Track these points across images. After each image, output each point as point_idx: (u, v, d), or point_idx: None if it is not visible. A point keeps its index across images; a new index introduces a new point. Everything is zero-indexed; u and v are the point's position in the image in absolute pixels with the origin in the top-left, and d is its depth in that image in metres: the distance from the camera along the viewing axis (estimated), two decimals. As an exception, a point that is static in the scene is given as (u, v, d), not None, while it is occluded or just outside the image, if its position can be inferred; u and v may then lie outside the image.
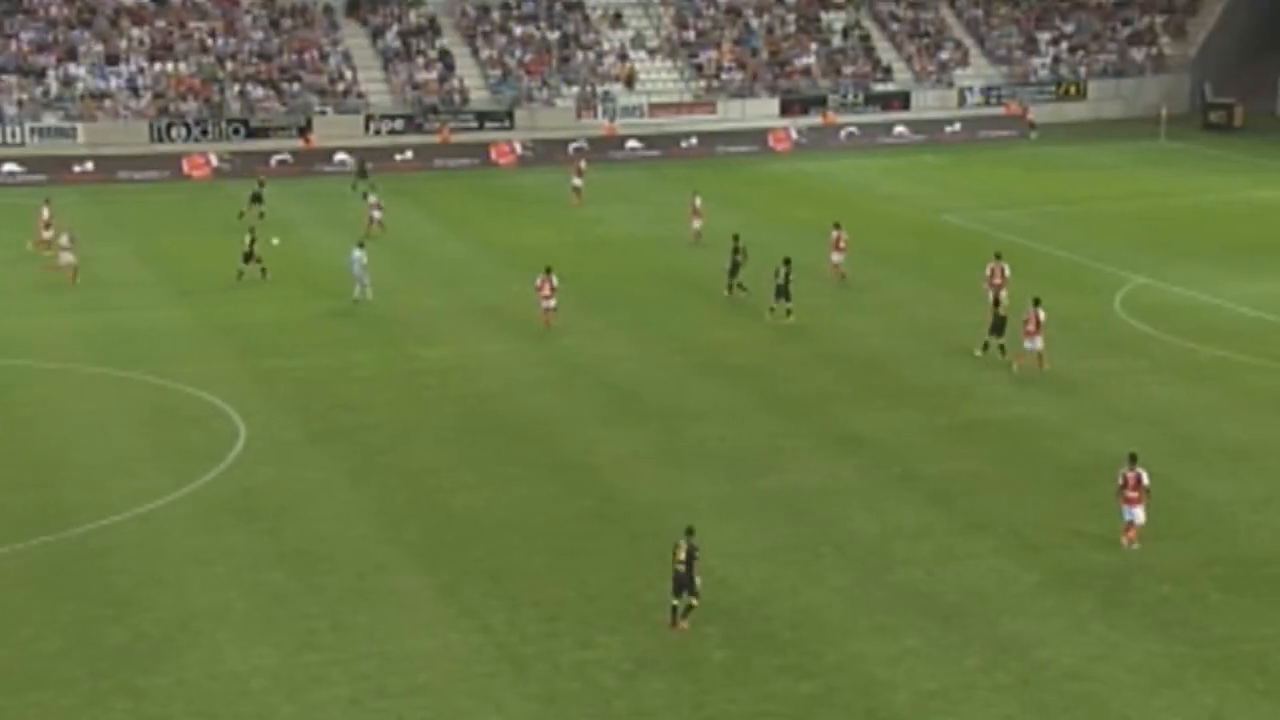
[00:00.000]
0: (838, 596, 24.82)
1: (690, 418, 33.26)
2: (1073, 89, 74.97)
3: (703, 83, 71.83)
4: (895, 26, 76.58)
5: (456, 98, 68.61)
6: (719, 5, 75.84)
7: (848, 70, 73.29)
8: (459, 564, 26.08)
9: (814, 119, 70.40)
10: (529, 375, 36.31)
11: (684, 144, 67.15)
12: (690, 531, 23.98)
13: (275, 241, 46.07)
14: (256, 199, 52.59)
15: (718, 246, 45.97)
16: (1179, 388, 34.74)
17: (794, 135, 68.54)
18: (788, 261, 40.02)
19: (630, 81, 71.01)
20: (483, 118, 68.00)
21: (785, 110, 71.07)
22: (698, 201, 49.30)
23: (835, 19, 76.33)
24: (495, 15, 73.25)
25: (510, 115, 68.31)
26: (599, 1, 74.83)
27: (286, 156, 62.72)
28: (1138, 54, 76.85)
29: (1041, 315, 35.50)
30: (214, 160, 62.77)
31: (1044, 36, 77.23)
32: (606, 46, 72.81)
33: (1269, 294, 42.25)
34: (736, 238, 42.44)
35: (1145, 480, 26.45)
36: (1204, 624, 23.69)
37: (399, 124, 66.86)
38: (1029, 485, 29.28)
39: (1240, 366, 36.19)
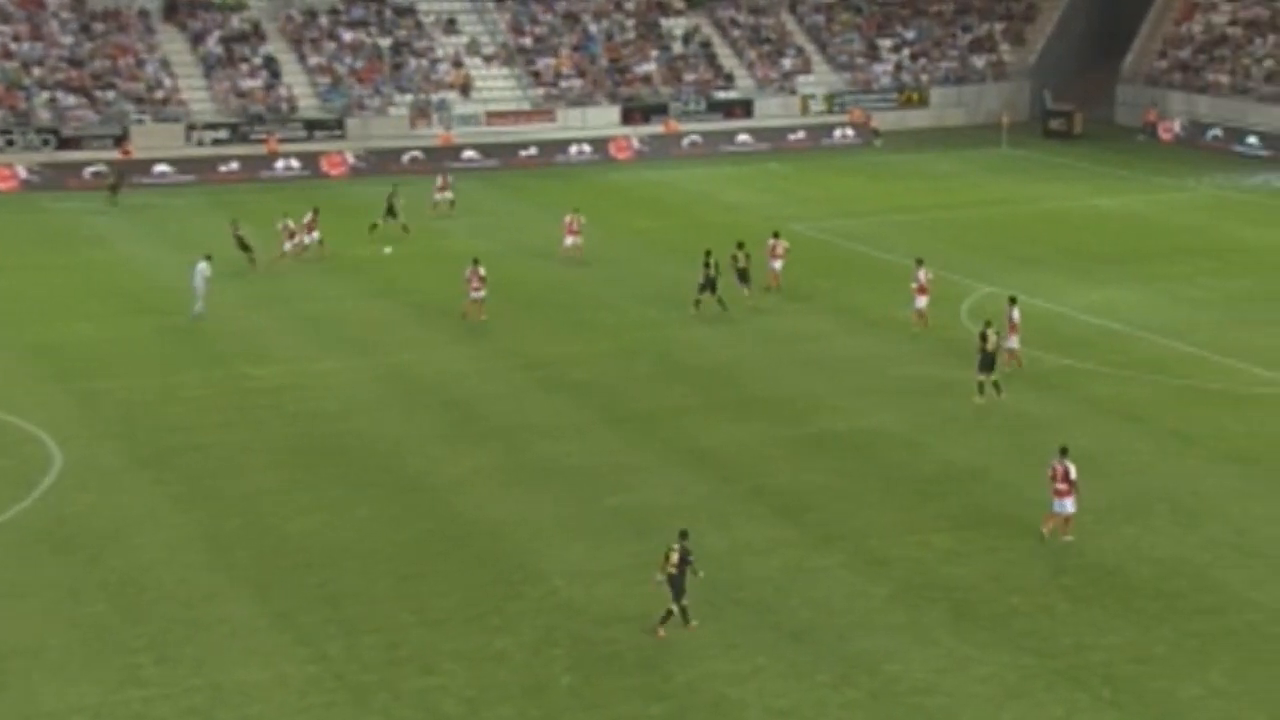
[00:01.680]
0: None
1: (534, 434, 33.25)
2: (915, 96, 76.65)
3: (541, 90, 71.93)
4: (736, 33, 77.56)
5: (284, 106, 67.72)
6: (556, 11, 76.06)
7: (689, 77, 74.02)
8: (294, 591, 25.72)
9: (656, 127, 70.94)
10: (366, 393, 35.97)
11: (523, 153, 67.17)
12: (684, 535, 24.50)
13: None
14: (391, 211, 51.20)
15: (577, 263, 45.97)
16: (1025, 397, 35.65)
17: (635, 144, 68.99)
18: (709, 252, 41.71)
19: (466, 89, 70.82)
20: (312, 127, 67.24)
21: (626, 118, 71.51)
22: (573, 219, 48.87)
23: (676, 25, 77.05)
24: (323, 21, 72.49)
25: (341, 124, 67.64)
26: (432, 7, 74.51)
27: (102, 168, 61.21)
28: (978, 61, 78.87)
29: (1016, 315, 36.63)
30: (22, 172, 61.03)
31: (885, 43, 78.86)
32: (440, 53, 72.52)
33: (1111, 301, 43.64)
34: (709, 253, 42.13)
35: (1073, 473, 27.33)
36: (1052, 634, 24.35)
37: (223, 133, 65.76)
38: (878, 498, 29.82)
39: (1085, 375, 37.30)
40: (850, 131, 72.17)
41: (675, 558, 24.32)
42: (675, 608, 24.29)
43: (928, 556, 27.16)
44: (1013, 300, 37.34)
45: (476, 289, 41.05)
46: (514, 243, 51.55)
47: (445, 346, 39.84)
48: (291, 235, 47.64)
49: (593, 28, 75.80)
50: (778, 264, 44.79)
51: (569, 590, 25.84)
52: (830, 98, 74.77)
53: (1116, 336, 40.36)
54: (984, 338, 34.79)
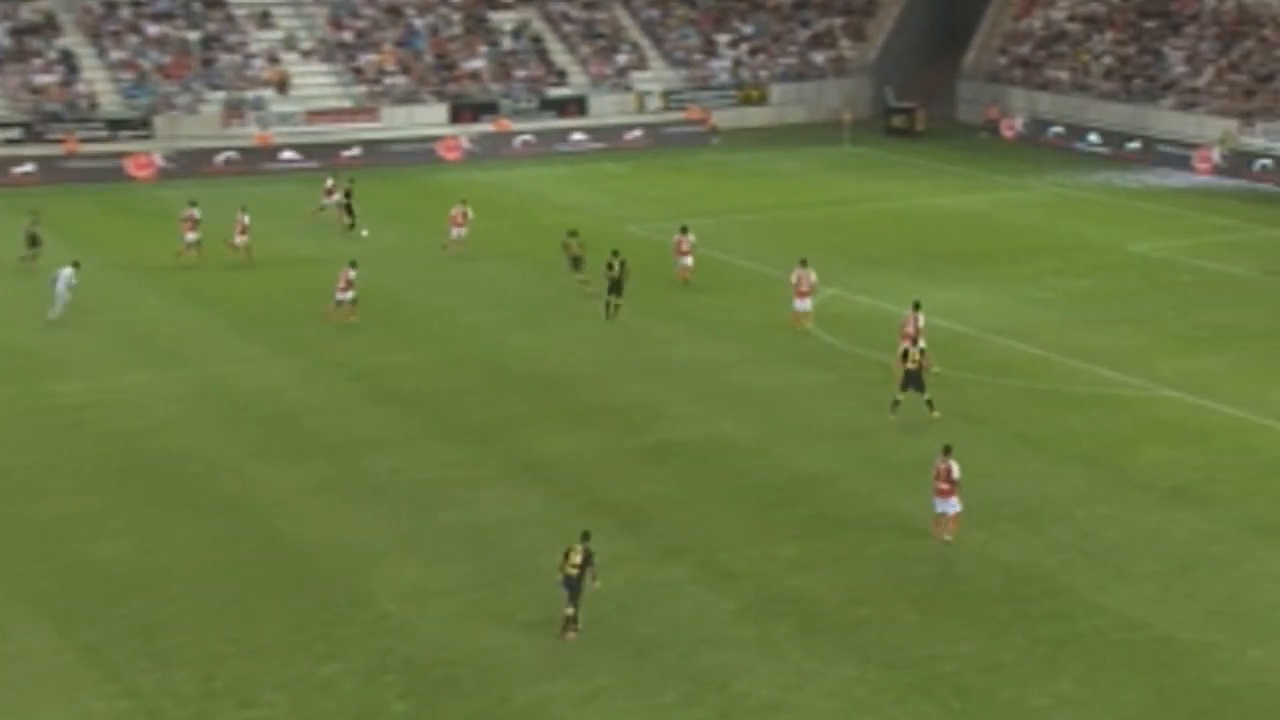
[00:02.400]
0: (524, 634, 24.95)
1: (361, 449, 32.92)
2: (755, 93, 77.54)
3: (364, 88, 71.25)
4: (568, 28, 77.71)
5: (83, 104, 66.11)
6: (378, 4, 75.43)
7: (520, 74, 73.94)
8: (102, 621, 25.10)
9: (486, 126, 70.70)
10: (179, 409, 35.27)
11: (345, 154, 66.44)
12: (586, 536, 24.86)
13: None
14: (348, 208, 52.07)
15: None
16: (871, 401, 36.26)
17: (465, 144, 68.70)
18: (615, 253, 42.06)
19: (283, 86, 69.86)
20: (116, 126, 65.71)
21: (455, 117, 71.14)
22: (459, 211, 49.39)
23: (505, 19, 76.93)
24: (124, 13, 70.91)
25: (147, 123, 66.22)
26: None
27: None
28: (819, 57, 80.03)
29: (920, 320, 37.21)
30: None
31: (723, 38, 79.64)
32: (255, 48, 71.43)
33: (956, 303, 44.59)
34: (616, 253, 42.30)
35: (956, 472, 28.08)
36: (900, 646, 24.78)
37: (16, 133, 63.93)
38: (722, 508, 30.09)
39: (930, 378, 38.01)
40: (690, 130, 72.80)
41: (577, 558, 24.62)
42: (570, 611, 24.55)
43: (774, 568, 27.47)
44: (917, 305, 37.90)
45: (343, 290, 41.29)
46: (335, 250, 50.93)
47: (264, 358, 39.25)
48: (193, 226, 47.64)
49: (417, 22, 75.33)
50: (687, 260, 45.67)
51: (401, 612, 25.61)
52: (667, 95, 75.28)
53: (961, 338, 41.24)
54: (905, 355, 34.84)
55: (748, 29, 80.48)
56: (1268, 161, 62.24)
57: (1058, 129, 71.14)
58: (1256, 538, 28.55)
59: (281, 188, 58.82)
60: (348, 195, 52.91)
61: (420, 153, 67.19)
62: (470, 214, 49.46)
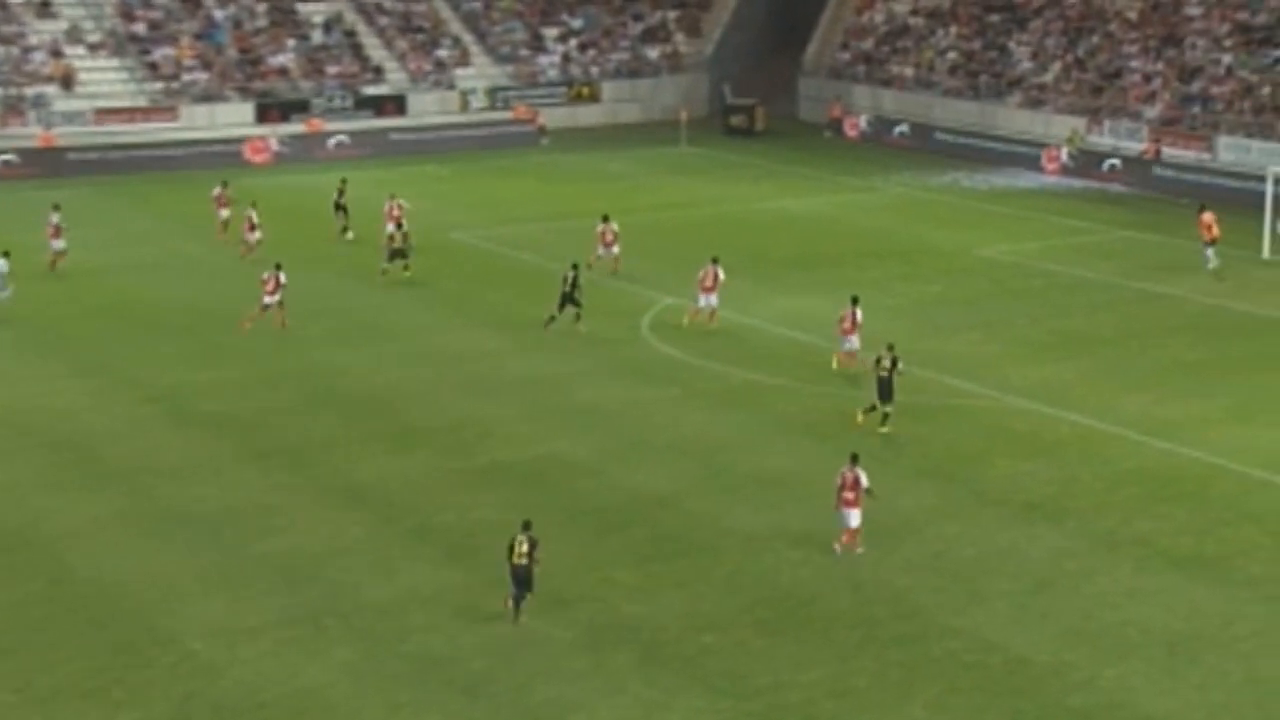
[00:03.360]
0: (344, 673, 24.62)
1: (162, 476, 32.26)
2: (585, 91, 77.76)
3: (160, 84, 69.98)
4: (384, 21, 77.18)
5: None
6: (176, -8, 74.23)
7: (332, 70, 73.24)
8: (-128, 673, 24.22)
9: (296, 126, 69.89)
10: (-44, 436, 34.24)
11: (140, 156, 65.14)
12: (527, 525, 26.47)
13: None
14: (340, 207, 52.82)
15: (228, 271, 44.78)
16: (712, 415, 36.46)
17: (274, 145, 67.82)
18: (575, 267, 42.55)
19: (68, 83, 68.28)
20: (-122, 125, 63.76)
21: (262, 116, 70.23)
22: (392, 204, 49.77)
23: (314, 11, 76.15)
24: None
25: (-85, 122, 64.43)
26: (23, -14, 71.67)
27: None
28: (652, 52, 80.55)
29: (859, 314, 38.78)
30: None
31: (551, 33, 79.78)
32: (35, 40, 69.76)
33: (799, 311, 45.09)
34: (575, 266, 42.71)
35: (865, 481, 28.80)
36: (747, 673, 24.91)
37: None
38: (558, 532, 29.97)
39: (774, 390, 38.41)
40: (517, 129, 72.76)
41: (525, 547, 26.13)
42: (514, 598, 26.10)
43: (613, 594, 27.46)
44: (855, 300, 39.21)
45: (271, 293, 41.86)
46: (130, 258, 49.92)
47: (51, 379, 38.30)
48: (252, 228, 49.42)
49: (218, 13, 74.19)
50: (615, 249, 47.57)
51: (208, 652, 25.11)
52: (492, 92, 75.14)
53: (807, 348, 41.69)
54: (878, 362, 35.33)
55: (577, 23, 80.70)
56: (1116, 161, 64.04)
57: (903, 128, 72.44)
58: (1111, 553, 29.25)
59: (71, 192, 57.44)
60: (340, 194, 53.22)
61: (224, 155, 66.12)
62: (405, 206, 50.06)
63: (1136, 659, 25.42)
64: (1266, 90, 63.15)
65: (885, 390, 35.18)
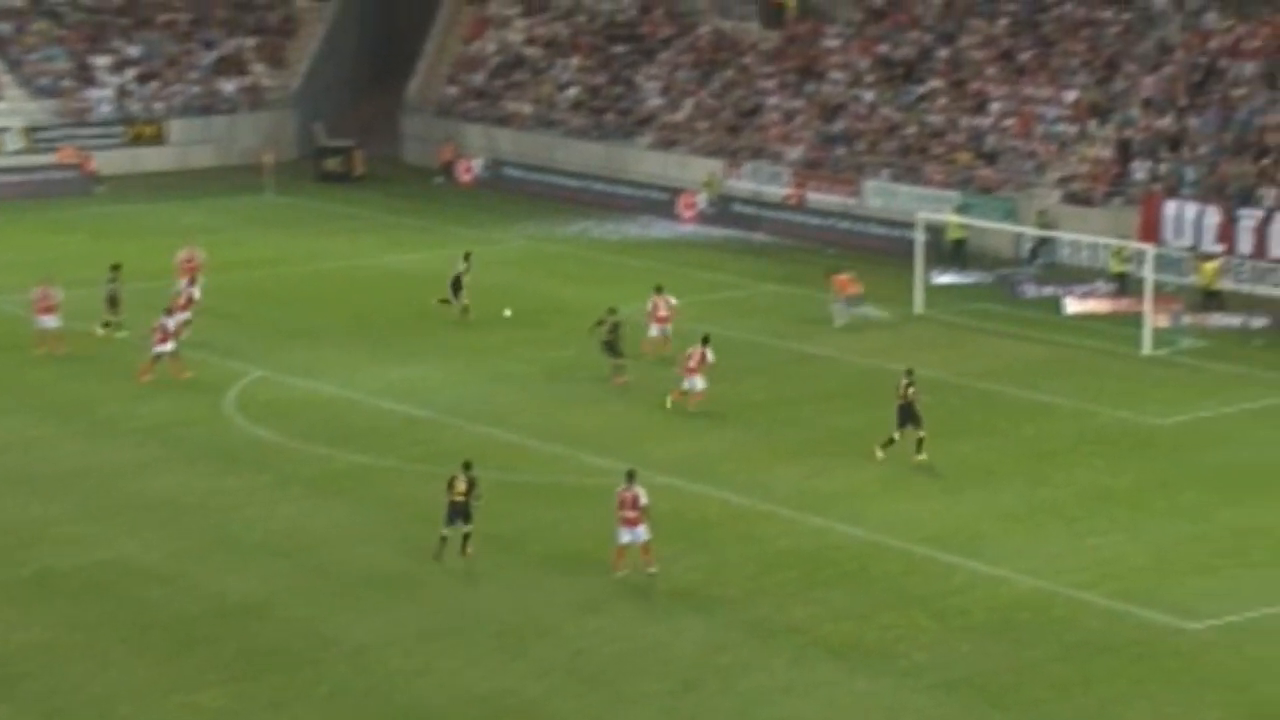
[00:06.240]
0: None
1: None
2: (148, 130, 76.32)
3: None
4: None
5: None
6: None
7: None
8: None
9: None
10: None
11: None
12: (468, 465, 32.85)
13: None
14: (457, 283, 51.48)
15: None
16: (312, 506, 36.18)
17: None
18: (613, 310, 45.00)
19: None
20: None
21: None
22: None
23: None
24: None
25: None
26: None
27: None
28: (228, 85, 79.57)
29: (709, 355, 42.11)
30: None
31: (101, 61, 78.02)
32: None
33: (411, 381, 45.08)
34: (613, 311, 45.11)
35: (644, 499, 31.76)
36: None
37: None
38: (124, 652, 29.26)
39: (384, 473, 38.30)
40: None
41: (462, 485, 32.41)
42: (448, 532, 32.47)
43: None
44: (705, 340, 42.18)
45: (161, 342, 43.80)
46: None
47: None
48: None
49: None
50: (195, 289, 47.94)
51: None
52: (31, 132, 73.06)
53: (421, 424, 41.71)
54: (898, 388, 38.97)
55: (134, 50, 79.16)
56: (756, 208, 66.08)
57: (523, 172, 73.36)
58: (766, 644, 30.03)
59: None
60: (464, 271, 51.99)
61: None
62: None
63: (799, 762, 26.13)
64: (912, 130, 66.29)
65: (909, 416, 38.64)
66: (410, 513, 35.74)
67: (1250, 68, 60.82)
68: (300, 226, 65.76)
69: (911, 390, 38.79)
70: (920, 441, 38.67)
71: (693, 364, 42.50)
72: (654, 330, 46.90)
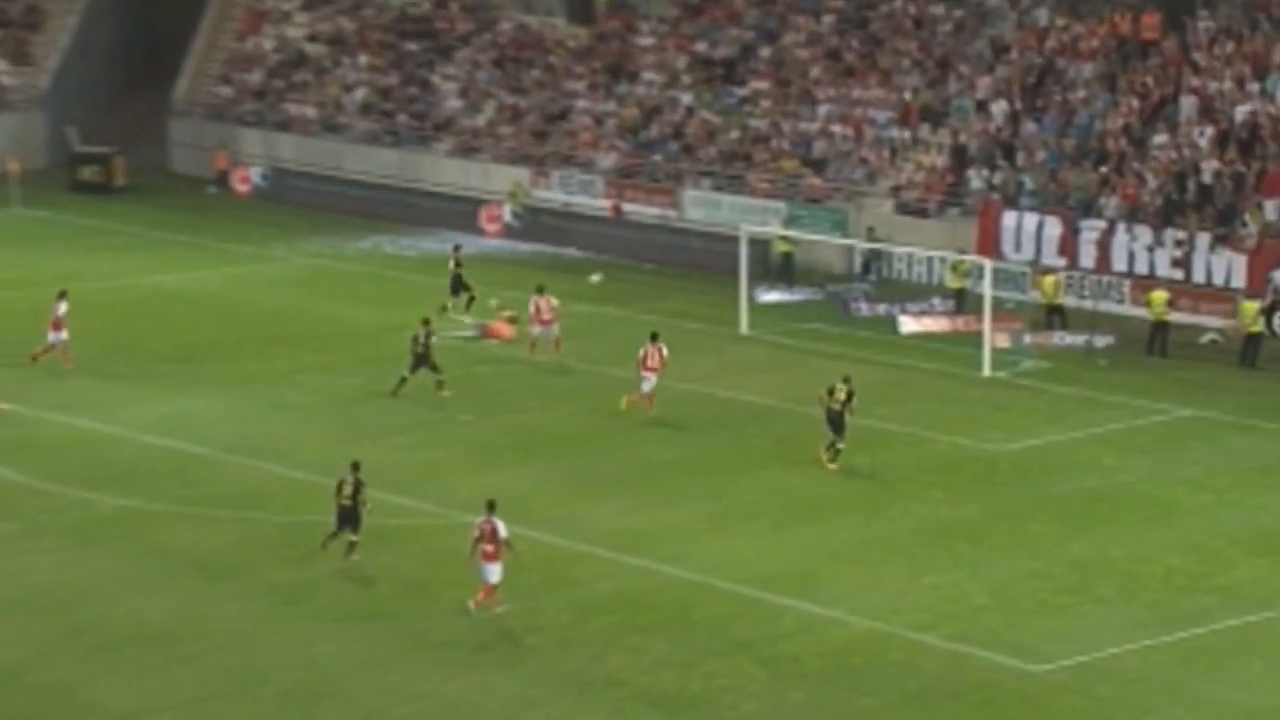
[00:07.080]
0: None
1: None
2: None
3: None
4: None
5: None
6: None
7: None
8: None
9: None
10: None
11: None
12: (356, 466, 34.27)
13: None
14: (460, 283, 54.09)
15: None
16: (70, 557, 35.60)
17: None
18: (427, 322, 45.99)
19: None
20: None
21: None
22: None
23: None
24: None
25: None
26: None
27: None
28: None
29: (665, 351, 44.12)
30: None
31: None
32: None
33: (183, 415, 44.49)
34: (427, 322, 46.20)
35: (503, 532, 32.45)
36: None
37: None
38: None
39: (153, 518, 37.74)
40: None
41: (349, 490, 34.05)
42: (355, 538, 34.25)
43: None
44: (654, 336, 44.42)
45: (55, 330, 46.49)
46: None
47: None
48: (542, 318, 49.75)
49: None
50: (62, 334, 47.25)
51: None
52: None
53: (195, 463, 41.24)
54: (831, 394, 40.54)
55: None
56: (566, 220, 66.10)
57: (307, 182, 72.77)
58: (581, 698, 29.97)
59: None
60: (458, 265, 54.93)
61: None
62: None
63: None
64: (734, 135, 66.74)
65: (837, 424, 40.41)
66: (183, 562, 35.27)
67: (1089, 69, 61.99)
68: (53, 243, 64.76)
69: (846, 399, 40.40)
70: (838, 450, 40.55)
71: (653, 363, 44.31)
72: (536, 330, 49.22)
